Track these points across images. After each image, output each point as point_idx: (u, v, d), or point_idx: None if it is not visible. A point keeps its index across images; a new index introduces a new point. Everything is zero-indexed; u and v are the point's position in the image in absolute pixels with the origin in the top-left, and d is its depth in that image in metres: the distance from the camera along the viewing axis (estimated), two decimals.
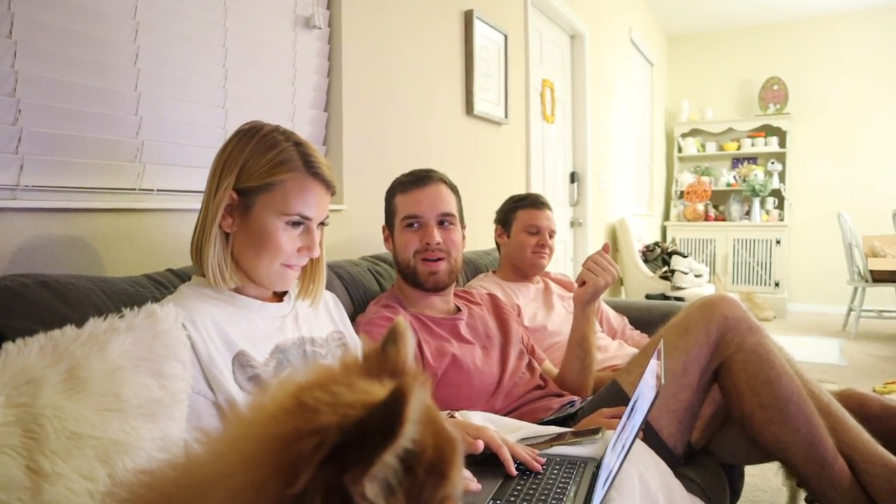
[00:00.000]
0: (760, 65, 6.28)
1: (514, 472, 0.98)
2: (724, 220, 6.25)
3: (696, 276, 4.47)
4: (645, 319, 2.21)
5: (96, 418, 0.72)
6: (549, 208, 2.08)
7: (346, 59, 1.93)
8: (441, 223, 1.50)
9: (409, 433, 0.36)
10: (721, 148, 6.41)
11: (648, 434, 1.28)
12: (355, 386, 0.42)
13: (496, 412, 1.36)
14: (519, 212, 2.04)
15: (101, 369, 0.76)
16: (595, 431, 1.11)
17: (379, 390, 0.41)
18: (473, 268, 2.15)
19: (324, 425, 0.37)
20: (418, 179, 1.52)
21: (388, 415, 0.36)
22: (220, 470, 0.38)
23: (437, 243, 1.47)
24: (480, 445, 0.99)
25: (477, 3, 2.71)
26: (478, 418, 1.20)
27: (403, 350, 0.48)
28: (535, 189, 3.41)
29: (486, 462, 0.99)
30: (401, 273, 1.53)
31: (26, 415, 0.67)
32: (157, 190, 1.40)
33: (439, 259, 1.48)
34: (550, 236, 2.03)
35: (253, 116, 1.14)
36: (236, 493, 0.36)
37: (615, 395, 1.36)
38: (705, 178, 6.30)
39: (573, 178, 4.11)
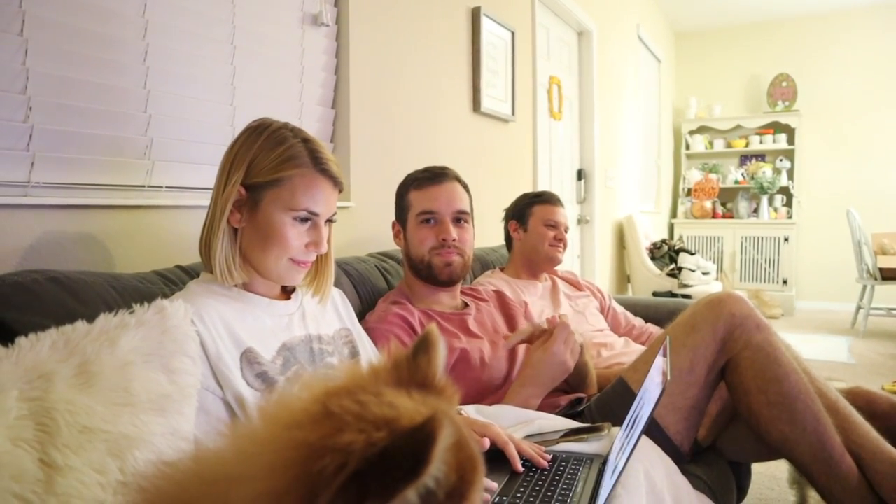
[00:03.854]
0: (769, 61, 6.24)
1: (521, 469, 0.98)
2: (731, 217, 6.23)
3: (704, 273, 4.45)
4: (652, 317, 2.20)
5: (107, 412, 0.73)
6: (563, 206, 2.12)
7: (354, 56, 1.94)
8: (457, 220, 1.51)
9: (434, 472, 0.36)
10: (729, 145, 6.38)
11: (655, 431, 1.28)
12: (383, 397, 0.41)
13: None
14: (536, 207, 2.07)
15: (112, 364, 0.77)
16: (601, 428, 1.12)
17: (406, 404, 0.41)
18: (481, 264, 2.16)
19: (347, 445, 0.36)
20: (435, 176, 1.53)
21: (414, 453, 0.35)
22: (242, 471, 0.38)
23: (454, 239, 1.48)
24: (486, 444, 0.99)
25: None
26: (471, 411, 1.21)
27: (435, 360, 0.47)
28: (542, 186, 3.41)
29: (492, 458, 1.00)
30: (413, 269, 1.54)
31: (39, 409, 0.67)
32: (166, 187, 1.41)
33: (455, 254, 1.50)
34: (566, 231, 2.07)
35: (261, 113, 1.15)
36: (257, 498, 0.36)
37: (622, 393, 1.37)
38: (713, 176, 6.27)
39: (580, 175, 4.11)
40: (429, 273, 1.50)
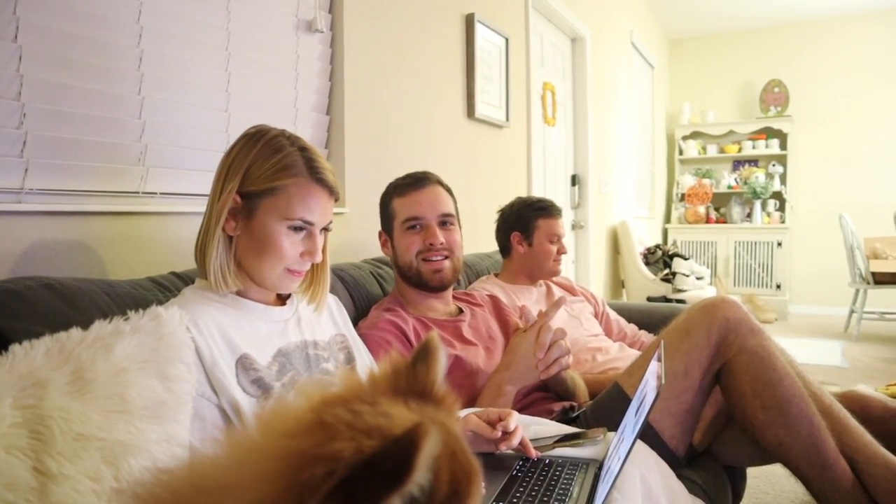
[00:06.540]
0: (761, 67, 6.28)
1: (498, 435, 1.00)
2: (725, 222, 6.25)
3: (698, 278, 4.46)
4: (646, 322, 2.21)
5: (102, 420, 0.72)
6: (562, 213, 2.14)
7: (348, 62, 1.94)
8: (442, 224, 1.50)
9: (418, 479, 0.36)
10: (722, 150, 6.41)
11: (650, 435, 1.28)
12: (378, 406, 0.41)
13: None
14: (540, 220, 2.04)
15: (107, 371, 0.76)
16: (596, 433, 1.12)
17: (402, 414, 0.41)
18: (475, 271, 2.16)
19: (336, 453, 0.36)
20: (416, 181, 1.53)
21: (397, 460, 0.35)
22: (236, 479, 0.38)
23: (441, 243, 1.48)
24: (514, 443, 1.01)
25: (478, 6, 2.72)
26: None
27: (434, 369, 0.47)
28: (537, 192, 3.41)
29: (488, 464, 1.00)
30: (403, 276, 1.53)
31: (33, 416, 0.67)
32: (161, 193, 1.41)
33: (444, 258, 1.49)
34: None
35: (255, 120, 1.15)
36: None
37: (617, 397, 1.37)
38: (706, 181, 6.30)
39: (574, 180, 4.12)
40: (419, 280, 1.50)
